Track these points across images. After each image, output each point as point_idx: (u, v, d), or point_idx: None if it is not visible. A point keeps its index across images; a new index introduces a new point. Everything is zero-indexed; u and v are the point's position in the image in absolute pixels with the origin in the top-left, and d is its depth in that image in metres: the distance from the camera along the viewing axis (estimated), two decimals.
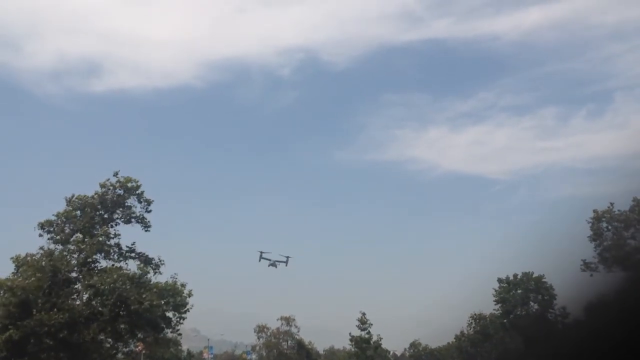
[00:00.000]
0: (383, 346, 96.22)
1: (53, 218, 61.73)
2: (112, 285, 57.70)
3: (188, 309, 63.29)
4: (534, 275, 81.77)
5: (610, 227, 71.08)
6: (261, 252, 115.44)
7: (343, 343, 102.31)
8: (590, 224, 71.39)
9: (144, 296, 59.04)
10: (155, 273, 62.10)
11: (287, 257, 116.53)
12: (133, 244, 63.17)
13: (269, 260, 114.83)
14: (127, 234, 63.81)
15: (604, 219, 71.44)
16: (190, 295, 62.97)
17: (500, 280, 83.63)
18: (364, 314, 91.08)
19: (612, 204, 71.55)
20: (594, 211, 71.72)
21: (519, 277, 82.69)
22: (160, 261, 62.82)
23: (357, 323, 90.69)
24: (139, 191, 63.43)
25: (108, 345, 60.31)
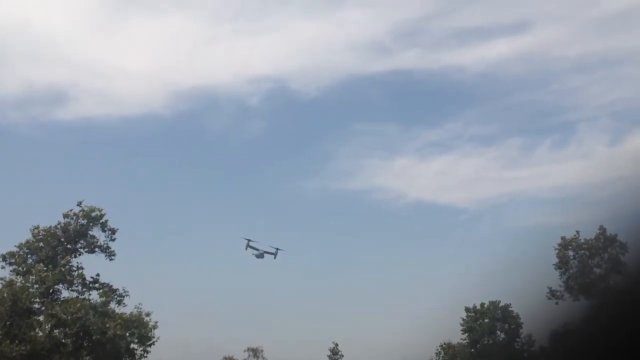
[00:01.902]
0: None
1: (15, 249, 60.80)
2: (74, 314, 56.85)
3: (154, 342, 62.47)
4: (500, 304, 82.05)
5: (576, 255, 71.70)
6: (248, 240, 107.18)
7: None
8: (557, 251, 71.95)
9: (107, 325, 58.27)
10: (119, 304, 61.48)
11: (277, 249, 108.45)
12: (97, 275, 62.56)
13: (257, 250, 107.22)
14: (91, 264, 63.06)
15: (570, 247, 72.04)
16: (155, 327, 62.22)
17: (467, 310, 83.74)
18: (336, 344, 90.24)
19: (578, 232, 72.25)
20: (562, 238, 72.31)
21: (485, 306, 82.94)
22: (124, 292, 62.29)
23: (329, 353, 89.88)
24: (102, 220, 62.85)
25: None
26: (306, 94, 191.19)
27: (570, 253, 72.11)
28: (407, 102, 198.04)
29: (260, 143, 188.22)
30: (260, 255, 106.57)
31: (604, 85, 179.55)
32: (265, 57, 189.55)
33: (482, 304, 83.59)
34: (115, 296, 61.68)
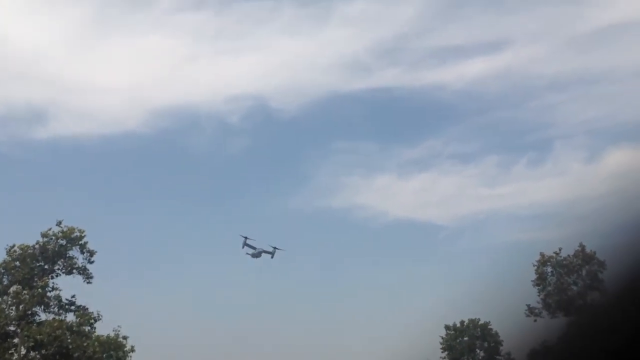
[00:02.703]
0: None
1: None
2: (52, 334, 56.30)
3: None
4: (480, 322, 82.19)
5: (554, 272, 71.98)
6: (245, 238, 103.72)
7: None
8: (535, 267, 72.26)
9: (85, 344, 57.76)
10: (91, 328, 60.73)
11: (275, 248, 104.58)
12: (73, 296, 61.94)
13: (254, 248, 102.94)
14: (69, 285, 62.45)
15: (549, 264, 72.34)
16: (132, 350, 61.61)
17: (447, 327, 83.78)
18: None
19: (560, 249, 72.34)
20: (541, 254, 72.54)
21: (465, 324, 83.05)
22: (98, 316, 61.56)
23: None
24: (82, 241, 62.31)
25: None
26: (287, 112, 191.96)
27: (549, 270, 72.41)
28: (387, 120, 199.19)
29: (241, 161, 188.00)
30: (257, 255, 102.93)
31: (580, 103, 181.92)
32: (246, 75, 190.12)
33: (462, 322, 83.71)
34: (91, 319, 61.07)
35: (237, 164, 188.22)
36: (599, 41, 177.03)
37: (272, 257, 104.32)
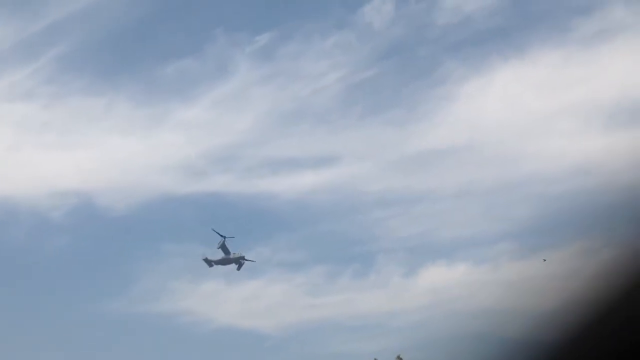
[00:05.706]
0: None
1: None
2: None
3: None
4: None
5: None
6: (224, 237, 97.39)
7: None
8: None
9: None
10: None
11: (244, 259, 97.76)
12: None
13: (228, 253, 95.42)
14: None
15: None
16: None
17: None
18: None
19: (376, 359, 73.66)
20: None
21: None
22: None
23: None
24: None
25: None
26: (115, 211, 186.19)
27: None
28: (219, 225, 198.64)
29: (60, 259, 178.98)
30: (226, 261, 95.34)
31: (402, 220, 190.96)
32: (72, 171, 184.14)
33: None
34: None
35: (56, 262, 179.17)
36: (420, 164, 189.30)
37: (238, 269, 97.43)
